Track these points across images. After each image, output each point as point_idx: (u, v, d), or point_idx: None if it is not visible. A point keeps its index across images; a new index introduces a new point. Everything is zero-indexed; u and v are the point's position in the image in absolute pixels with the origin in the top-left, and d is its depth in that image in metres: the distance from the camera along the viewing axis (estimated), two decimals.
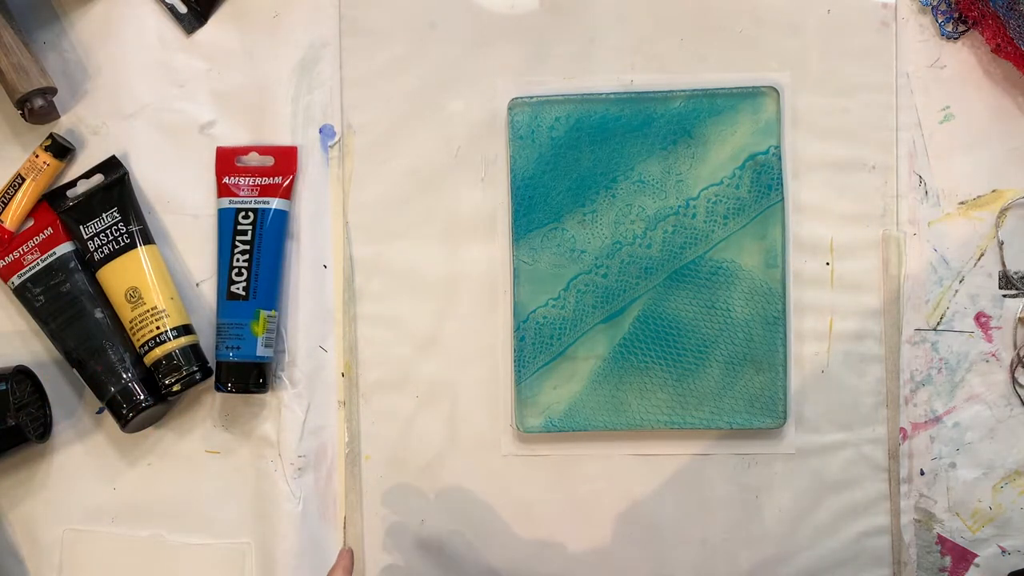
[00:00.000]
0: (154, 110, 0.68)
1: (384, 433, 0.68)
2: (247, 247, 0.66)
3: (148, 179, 0.68)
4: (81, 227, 0.67)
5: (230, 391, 0.65)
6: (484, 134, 0.67)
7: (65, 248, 0.67)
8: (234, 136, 0.68)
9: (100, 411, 0.68)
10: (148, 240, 0.67)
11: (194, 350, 0.66)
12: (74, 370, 0.66)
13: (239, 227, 0.66)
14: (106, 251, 0.66)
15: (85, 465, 0.68)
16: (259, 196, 0.66)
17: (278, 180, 0.67)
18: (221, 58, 0.68)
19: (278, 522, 0.67)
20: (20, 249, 0.67)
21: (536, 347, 0.66)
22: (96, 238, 0.66)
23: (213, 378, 0.66)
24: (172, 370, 0.64)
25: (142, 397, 0.65)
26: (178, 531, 0.68)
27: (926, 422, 0.65)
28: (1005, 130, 0.65)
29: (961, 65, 0.65)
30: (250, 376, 0.65)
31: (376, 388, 0.68)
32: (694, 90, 0.65)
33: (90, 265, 0.67)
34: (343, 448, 0.68)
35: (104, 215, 0.66)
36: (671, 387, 0.65)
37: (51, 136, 0.67)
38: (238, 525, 0.68)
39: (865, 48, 0.65)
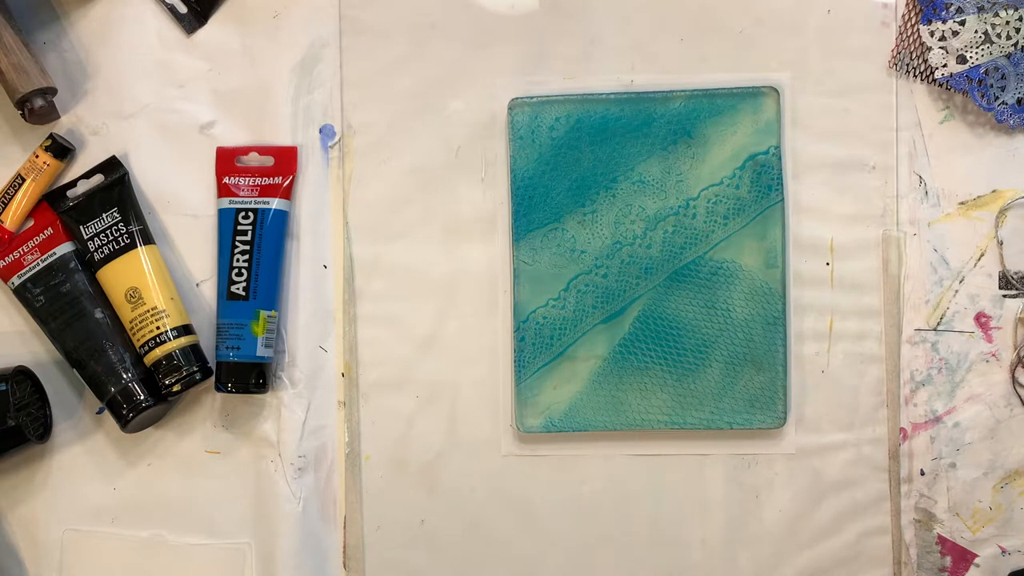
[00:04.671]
0: (154, 110, 0.68)
1: (384, 433, 0.68)
2: (247, 247, 0.66)
3: (148, 179, 0.68)
4: (81, 227, 0.66)
5: (230, 391, 0.65)
6: (484, 134, 0.67)
7: (65, 248, 0.67)
8: (234, 136, 0.68)
9: (100, 411, 0.68)
10: (148, 240, 0.67)
11: (194, 350, 0.66)
12: (74, 370, 0.66)
13: (239, 227, 0.66)
14: (106, 251, 0.66)
15: (85, 465, 0.68)
16: (259, 196, 0.66)
17: (278, 180, 0.67)
18: (221, 58, 0.68)
19: (278, 522, 0.67)
20: (20, 249, 0.67)
21: (536, 347, 0.66)
22: (96, 238, 0.66)
23: (213, 378, 0.66)
24: (172, 370, 0.64)
25: (142, 397, 0.65)
26: (178, 531, 0.68)
27: (926, 422, 0.65)
28: (1005, 130, 0.65)
29: None
30: (250, 376, 0.65)
31: (376, 388, 0.68)
32: (694, 90, 0.65)
33: (90, 265, 0.66)
34: (343, 448, 0.68)
35: (104, 215, 0.66)
36: (671, 387, 0.65)
37: (51, 136, 0.67)
38: (238, 525, 0.68)
39: (865, 48, 0.65)
